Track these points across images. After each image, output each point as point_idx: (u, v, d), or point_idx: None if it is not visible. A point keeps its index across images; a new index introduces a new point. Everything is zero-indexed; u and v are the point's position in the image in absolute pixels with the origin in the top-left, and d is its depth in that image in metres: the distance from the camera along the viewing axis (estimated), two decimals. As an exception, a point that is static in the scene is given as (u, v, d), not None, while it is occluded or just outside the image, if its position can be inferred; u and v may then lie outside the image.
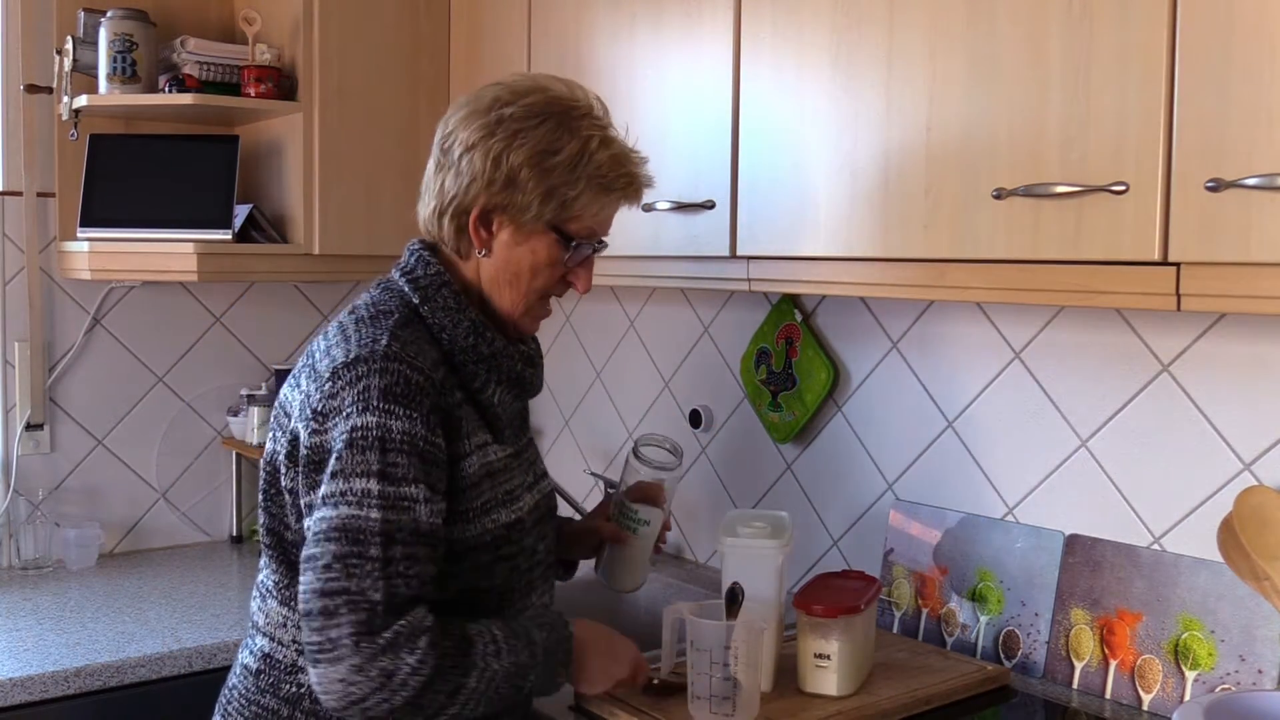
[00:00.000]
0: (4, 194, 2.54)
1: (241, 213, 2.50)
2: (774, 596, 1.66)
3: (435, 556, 1.37)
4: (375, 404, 1.34)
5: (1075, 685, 1.77)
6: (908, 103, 1.57)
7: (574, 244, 1.48)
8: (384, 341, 1.38)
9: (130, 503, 2.72)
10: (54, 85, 2.49)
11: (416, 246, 1.52)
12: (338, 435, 1.35)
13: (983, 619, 1.89)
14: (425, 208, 1.52)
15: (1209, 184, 1.25)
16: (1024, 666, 1.83)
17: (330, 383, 1.37)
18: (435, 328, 1.45)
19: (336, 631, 1.31)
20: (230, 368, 2.81)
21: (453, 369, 1.44)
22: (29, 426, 2.56)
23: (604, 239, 1.55)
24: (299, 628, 1.44)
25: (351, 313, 1.47)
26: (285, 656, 1.47)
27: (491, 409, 1.48)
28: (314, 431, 1.37)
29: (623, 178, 1.49)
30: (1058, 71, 1.40)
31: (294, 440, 1.41)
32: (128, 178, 2.46)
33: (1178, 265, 1.31)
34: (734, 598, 1.57)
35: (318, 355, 1.44)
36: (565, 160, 1.44)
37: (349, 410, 1.35)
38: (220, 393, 2.80)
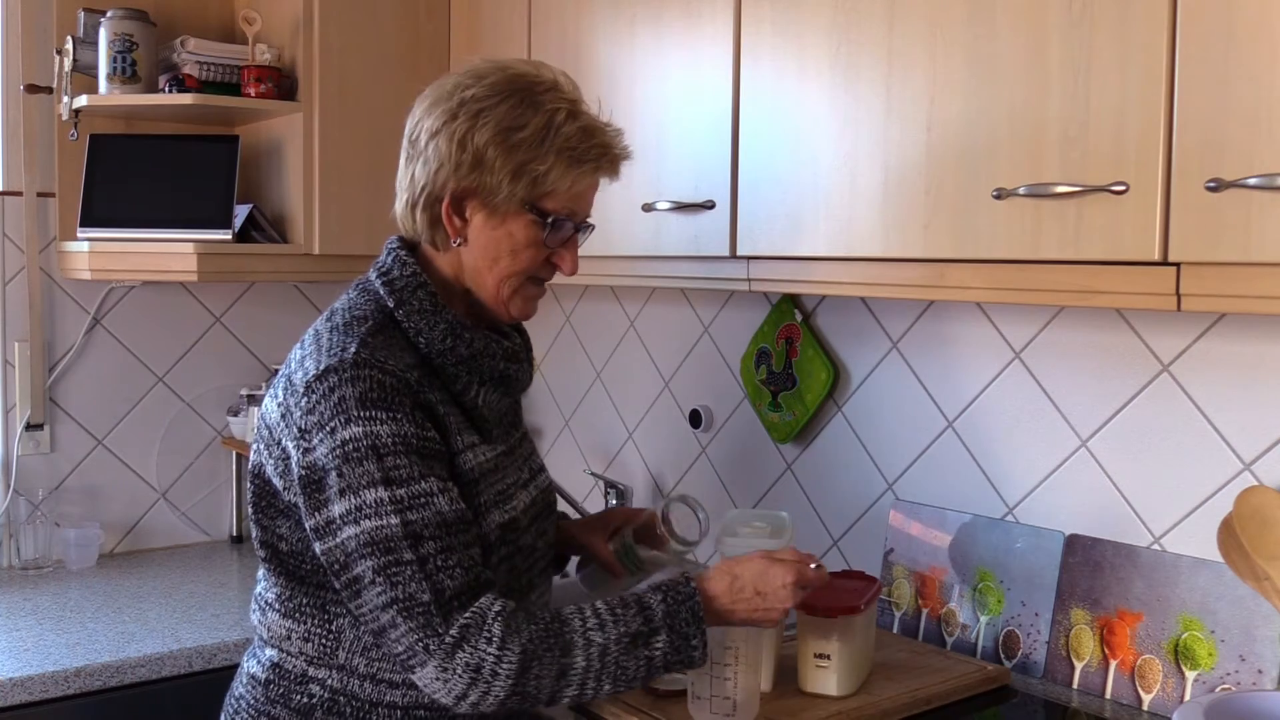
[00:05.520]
0: (4, 194, 2.54)
1: (241, 213, 2.50)
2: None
3: (473, 540, 1.35)
4: (356, 414, 1.32)
5: (1075, 685, 1.76)
6: (908, 103, 1.57)
7: (551, 221, 1.44)
8: (353, 349, 1.36)
9: (130, 503, 2.72)
10: (54, 85, 2.49)
11: (394, 245, 1.49)
12: (327, 452, 1.32)
13: (983, 619, 1.89)
14: (399, 203, 1.49)
15: (1209, 184, 1.25)
16: (1024, 666, 1.82)
17: (306, 397, 1.35)
18: (411, 332, 1.43)
19: (407, 640, 1.30)
20: (230, 368, 2.81)
21: (433, 371, 1.42)
22: (29, 426, 2.56)
23: (590, 221, 1.50)
24: (306, 639, 1.43)
25: (328, 319, 1.44)
26: (295, 667, 1.44)
27: (476, 410, 1.46)
28: (304, 450, 1.35)
29: (594, 149, 1.44)
30: (1058, 71, 1.40)
31: (285, 458, 1.38)
32: (128, 178, 2.46)
33: (1178, 265, 1.31)
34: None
35: (294, 365, 1.41)
36: (531, 135, 1.40)
37: (332, 424, 1.32)
38: (220, 393, 2.80)
